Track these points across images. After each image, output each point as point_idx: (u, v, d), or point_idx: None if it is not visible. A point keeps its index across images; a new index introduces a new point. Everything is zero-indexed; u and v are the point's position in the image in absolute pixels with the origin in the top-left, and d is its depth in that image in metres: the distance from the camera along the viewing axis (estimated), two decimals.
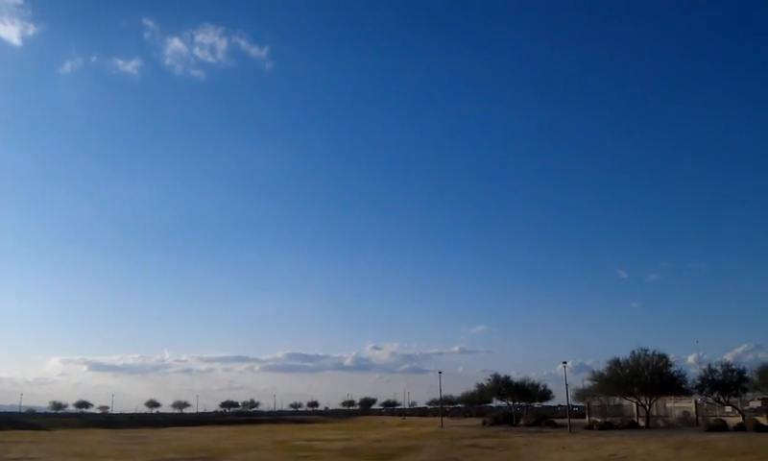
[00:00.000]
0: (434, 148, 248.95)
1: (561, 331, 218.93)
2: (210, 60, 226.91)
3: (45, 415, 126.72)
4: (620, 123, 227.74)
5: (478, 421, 72.11)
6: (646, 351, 52.69)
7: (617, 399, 58.49)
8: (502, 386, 68.80)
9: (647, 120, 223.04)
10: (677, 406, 55.15)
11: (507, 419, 65.25)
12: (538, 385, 71.65)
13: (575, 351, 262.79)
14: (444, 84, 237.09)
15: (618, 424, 51.67)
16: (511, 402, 70.78)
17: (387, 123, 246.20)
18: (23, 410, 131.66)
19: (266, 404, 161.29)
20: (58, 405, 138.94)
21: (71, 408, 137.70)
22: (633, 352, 53.25)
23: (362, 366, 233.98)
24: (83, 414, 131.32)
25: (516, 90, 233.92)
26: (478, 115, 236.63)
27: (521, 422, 63.11)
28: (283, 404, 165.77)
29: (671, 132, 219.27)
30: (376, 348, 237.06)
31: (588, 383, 61.56)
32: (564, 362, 54.41)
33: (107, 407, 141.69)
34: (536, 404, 75.11)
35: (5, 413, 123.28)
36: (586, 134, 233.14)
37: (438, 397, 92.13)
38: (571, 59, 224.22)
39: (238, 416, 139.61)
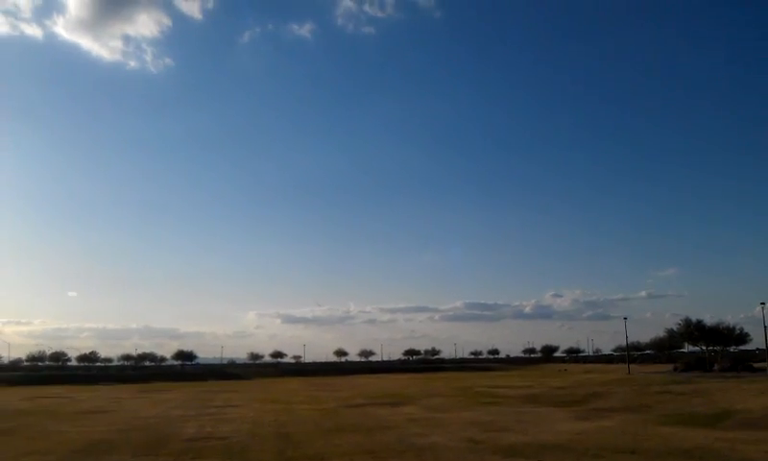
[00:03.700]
0: (613, 89, 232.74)
1: (759, 271, 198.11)
2: (380, 15, 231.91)
3: (244, 365, 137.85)
4: None
5: (668, 367, 68.54)
6: None
7: None
8: (694, 330, 64.92)
9: None
10: None
11: (700, 364, 61.76)
12: (733, 328, 66.33)
13: None
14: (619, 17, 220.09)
15: None
16: (704, 347, 66.64)
17: (559, 64, 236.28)
18: (224, 362, 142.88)
19: (447, 352, 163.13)
20: (255, 356, 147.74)
21: (267, 358, 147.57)
22: None
23: (542, 314, 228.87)
24: (278, 364, 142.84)
25: None
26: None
27: (715, 367, 59.39)
28: (464, 352, 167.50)
29: None
30: (557, 295, 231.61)
31: None
32: (762, 303, 51.90)
33: (299, 357, 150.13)
34: (731, 348, 69.73)
35: (209, 365, 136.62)
36: None
37: (624, 343, 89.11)
38: None
39: (421, 363, 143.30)
